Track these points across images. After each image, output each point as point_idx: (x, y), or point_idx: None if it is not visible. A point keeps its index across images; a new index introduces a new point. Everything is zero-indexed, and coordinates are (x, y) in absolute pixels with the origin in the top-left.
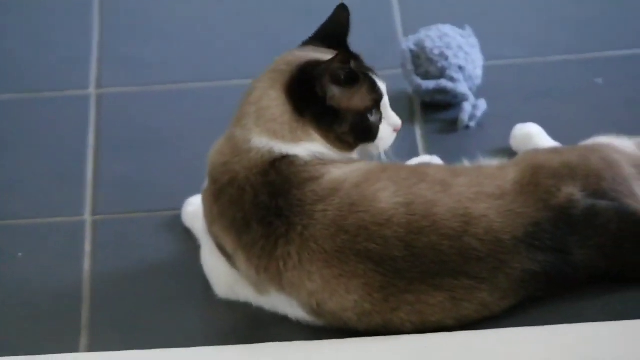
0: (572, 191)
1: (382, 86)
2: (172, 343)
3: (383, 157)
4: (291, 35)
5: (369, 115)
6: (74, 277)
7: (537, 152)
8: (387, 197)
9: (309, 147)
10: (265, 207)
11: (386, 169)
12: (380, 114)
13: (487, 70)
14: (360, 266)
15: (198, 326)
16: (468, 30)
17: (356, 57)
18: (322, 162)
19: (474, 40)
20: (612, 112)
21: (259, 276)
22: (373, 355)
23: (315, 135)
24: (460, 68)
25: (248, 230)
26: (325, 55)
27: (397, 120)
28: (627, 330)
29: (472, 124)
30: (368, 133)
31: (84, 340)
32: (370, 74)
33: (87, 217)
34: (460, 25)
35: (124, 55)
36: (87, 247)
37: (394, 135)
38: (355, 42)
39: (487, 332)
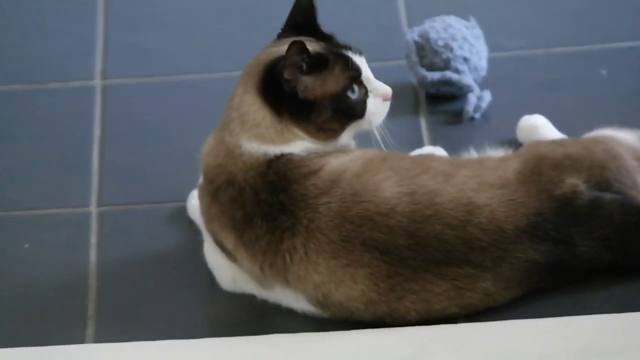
0: (575, 182)
1: (360, 60)
2: (178, 334)
3: (381, 145)
4: None
5: (349, 94)
6: (80, 268)
7: (539, 143)
8: (390, 187)
9: (301, 145)
10: (268, 204)
11: (386, 158)
12: (365, 88)
13: (492, 61)
14: (366, 255)
15: (203, 317)
16: (472, 22)
17: (328, 38)
18: (319, 154)
19: (478, 32)
20: (616, 103)
21: (263, 272)
22: (379, 346)
23: (303, 135)
24: (465, 59)
25: (251, 227)
26: None
27: (385, 89)
28: (631, 322)
29: (477, 115)
30: (353, 111)
31: (90, 331)
32: (344, 51)
33: (93, 208)
34: (464, 16)
35: (130, 46)
36: (93, 238)
37: (386, 105)
38: (360, 33)
39: (492, 324)
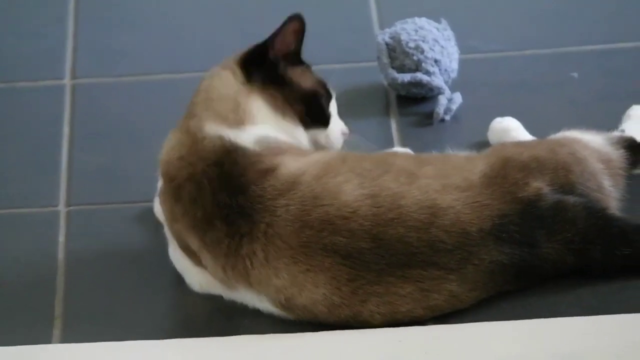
0: (540, 185)
1: (332, 91)
2: (146, 335)
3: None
4: (266, 27)
5: (321, 99)
6: (48, 268)
7: (505, 145)
8: (351, 190)
9: (254, 131)
10: (227, 206)
11: (345, 159)
12: (330, 114)
13: (462, 63)
14: (327, 260)
15: (172, 318)
16: (444, 24)
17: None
18: (273, 152)
19: (449, 34)
20: (586, 106)
21: (226, 274)
22: (347, 348)
23: (261, 113)
24: (436, 61)
25: (212, 229)
26: None
27: (345, 127)
28: (599, 325)
29: (448, 117)
30: (321, 114)
31: (57, 332)
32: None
33: (61, 207)
34: (436, 18)
35: (100, 45)
36: (61, 238)
37: (342, 138)
38: (331, 34)
39: (461, 326)
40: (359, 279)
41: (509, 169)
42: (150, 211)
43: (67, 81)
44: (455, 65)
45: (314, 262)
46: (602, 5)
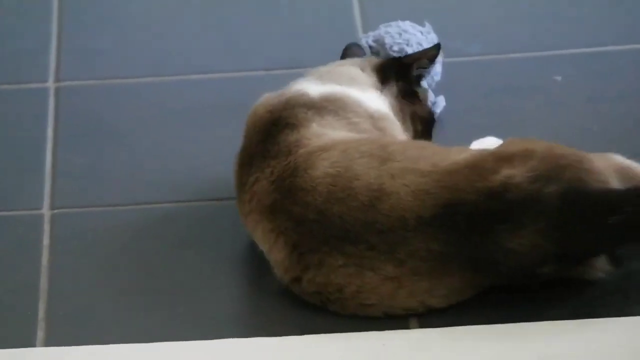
0: (513, 172)
1: None
2: (129, 338)
3: None
4: (252, 29)
5: (434, 124)
6: (32, 271)
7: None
8: (323, 167)
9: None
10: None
11: (355, 140)
12: None
13: (446, 66)
14: (285, 223)
15: (155, 321)
16: (427, 27)
17: None
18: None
19: (433, 37)
20: (570, 109)
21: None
22: (334, 351)
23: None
24: None
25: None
26: None
27: None
28: (583, 329)
29: None
30: (430, 137)
31: (40, 334)
32: None
33: (46, 210)
34: (419, 21)
35: (84, 48)
36: (45, 240)
37: None
38: (315, 38)
39: (446, 329)
40: (303, 245)
41: (487, 158)
42: (135, 214)
43: (50, 84)
44: (439, 69)
45: (276, 224)
46: (585, 9)
